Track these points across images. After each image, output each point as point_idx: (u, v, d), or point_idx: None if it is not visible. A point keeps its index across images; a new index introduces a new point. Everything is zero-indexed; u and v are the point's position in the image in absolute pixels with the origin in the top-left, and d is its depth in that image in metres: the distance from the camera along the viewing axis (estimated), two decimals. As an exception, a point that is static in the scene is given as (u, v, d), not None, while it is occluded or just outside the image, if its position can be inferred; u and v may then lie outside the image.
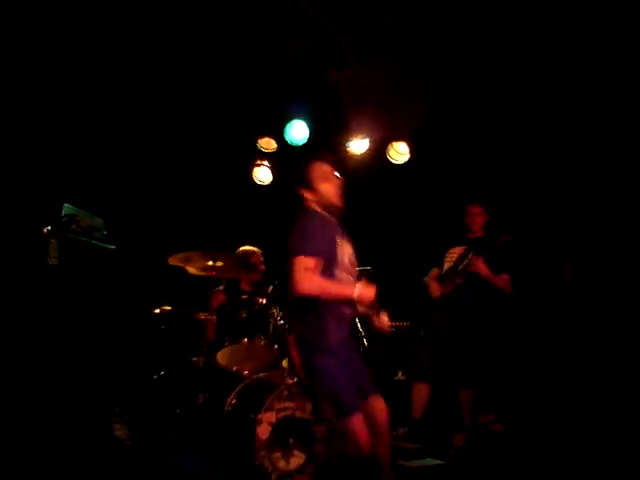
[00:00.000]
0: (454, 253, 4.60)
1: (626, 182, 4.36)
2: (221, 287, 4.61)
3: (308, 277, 2.78)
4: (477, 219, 4.58)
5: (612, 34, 3.85)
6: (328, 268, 2.88)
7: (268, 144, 5.42)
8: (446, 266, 4.61)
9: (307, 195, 3.05)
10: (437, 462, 4.08)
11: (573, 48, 4.07)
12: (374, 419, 2.84)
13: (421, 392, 4.42)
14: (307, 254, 2.80)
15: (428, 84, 4.60)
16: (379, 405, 2.91)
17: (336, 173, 3.10)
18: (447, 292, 4.47)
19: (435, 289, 4.53)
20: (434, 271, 4.71)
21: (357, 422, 2.69)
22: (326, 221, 3.00)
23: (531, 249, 4.56)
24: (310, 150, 5.27)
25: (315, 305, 2.84)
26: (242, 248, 4.74)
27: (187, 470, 3.17)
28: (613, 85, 4.16)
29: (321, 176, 3.04)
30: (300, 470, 3.45)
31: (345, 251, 3.01)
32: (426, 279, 4.71)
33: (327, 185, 3.04)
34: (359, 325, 3.95)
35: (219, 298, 4.46)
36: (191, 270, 4.20)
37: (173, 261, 4.02)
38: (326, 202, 3.03)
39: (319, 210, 3.04)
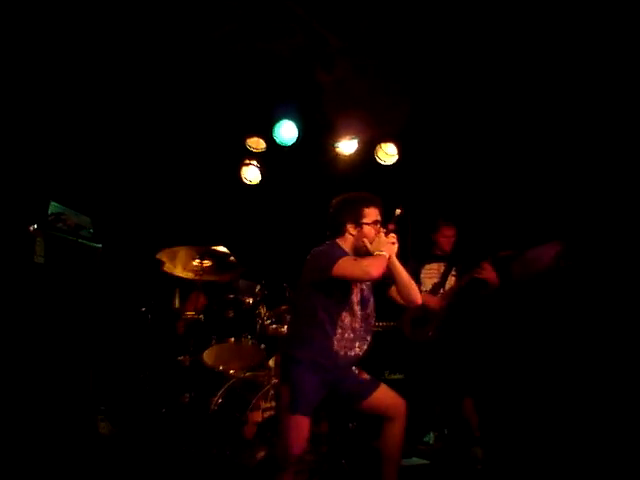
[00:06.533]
0: (433, 269, 4.63)
1: (601, 191, 4.41)
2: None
3: (365, 265, 2.85)
4: (451, 240, 4.63)
5: (596, 40, 3.89)
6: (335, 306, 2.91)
7: (257, 144, 5.41)
8: (428, 281, 4.63)
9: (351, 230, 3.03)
10: (423, 461, 4.11)
11: (564, 59, 4.11)
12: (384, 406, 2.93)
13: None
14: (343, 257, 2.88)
15: (417, 85, 4.62)
16: (385, 394, 2.96)
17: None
18: (444, 306, 4.49)
19: (435, 302, 4.52)
20: None
21: (300, 423, 2.73)
22: None
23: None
24: (299, 150, 5.28)
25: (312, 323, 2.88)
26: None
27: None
28: (595, 100, 4.20)
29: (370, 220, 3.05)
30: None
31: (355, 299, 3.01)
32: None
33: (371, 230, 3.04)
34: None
35: (200, 300, 4.43)
36: (177, 272, 4.22)
37: (167, 268, 4.03)
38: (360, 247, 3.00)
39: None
